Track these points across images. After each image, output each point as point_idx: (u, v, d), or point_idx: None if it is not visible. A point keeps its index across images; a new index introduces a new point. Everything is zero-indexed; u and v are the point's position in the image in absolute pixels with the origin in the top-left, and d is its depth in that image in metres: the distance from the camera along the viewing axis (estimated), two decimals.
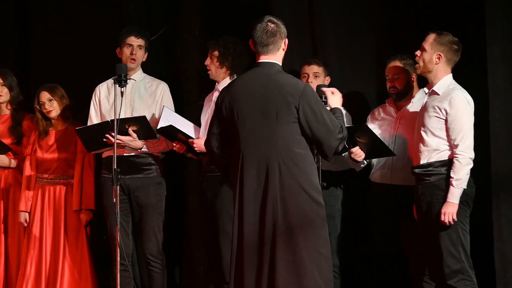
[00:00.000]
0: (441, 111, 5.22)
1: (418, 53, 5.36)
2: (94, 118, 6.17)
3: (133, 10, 6.85)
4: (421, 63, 5.35)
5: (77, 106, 6.37)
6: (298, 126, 4.81)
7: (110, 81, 6.05)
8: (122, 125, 5.79)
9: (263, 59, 4.91)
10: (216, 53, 5.91)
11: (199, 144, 5.77)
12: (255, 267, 4.77)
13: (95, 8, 6.98)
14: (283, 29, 4.92)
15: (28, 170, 6.38)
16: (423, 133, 5.28)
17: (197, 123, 6.04)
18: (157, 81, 6.20)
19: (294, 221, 4.74)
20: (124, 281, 5.94)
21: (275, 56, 4.93)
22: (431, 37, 5.32)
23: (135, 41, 6.08)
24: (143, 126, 5.85)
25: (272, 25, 4.88)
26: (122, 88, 5.60)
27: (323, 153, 4.89)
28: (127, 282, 5.99)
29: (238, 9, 6.57)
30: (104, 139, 5.82)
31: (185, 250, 6.73)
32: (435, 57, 5.30)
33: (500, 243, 5.67)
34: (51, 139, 6.32)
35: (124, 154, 5.99)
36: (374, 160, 5.83)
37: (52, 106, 6.27)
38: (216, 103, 4.99)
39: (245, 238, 4.79)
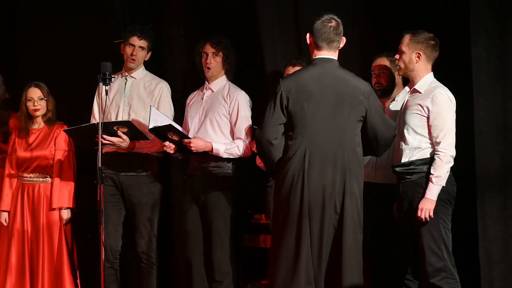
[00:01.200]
0: (423, 108, 5.23)
1: (397, 56, 5.38)
2: (96, 114, 6.18)
3: (117, 8, 6.86)
4: (402, 65, 5.36)
5: (62, 103, 6.35)
6: (360, 125, 4.99)
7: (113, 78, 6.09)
8: (111, 127, 5.81)
9: (326, 54, 5.04)
10: (221, 54, 5.93)
11: (197, 143, 5.76)
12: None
13: (80, 6, 6.97)
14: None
15: (8, 169, 6.35)
16: (405, 131, 5.29)
17: (180, 120, 6.06)
18: (157, 79, 6.20)
19: (350, 215, 4.97)
20: (109, 279, 5.95)
21: (335, 53, 5.06)
22: (407, 37, 5.33)
23: (137, 42, 6.10)
24: (131, 130, 5.85)
25: (337, 22, 5.03)
26: (106, 86, 5.59)
27: (380, 149, 5.14)
28: (111, 280, 5.99)
29: (223, 7, 6.57)
30: (96, 139, 5.82)
31: (174, 248, 6.72)
32: (414, 56, 5.30)
33: (485, 241, 5.67)
34: (31, 137, 6.29)
35: (120, 152, 6.00)
36: None
37: (41, 105, 6.24)
38: (279, 94, 4.96)
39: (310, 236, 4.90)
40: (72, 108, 6.40)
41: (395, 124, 5.19)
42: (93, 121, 6.15)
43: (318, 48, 5.04)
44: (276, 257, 5.00)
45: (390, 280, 5.77)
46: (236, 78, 6.05)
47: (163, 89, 6.14)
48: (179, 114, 6.19)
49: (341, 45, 5.09)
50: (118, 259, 6.11)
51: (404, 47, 5.33)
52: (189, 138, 5.80)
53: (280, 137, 4.99)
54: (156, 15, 6.80)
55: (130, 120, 5.93)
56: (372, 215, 5.73)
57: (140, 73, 6.18)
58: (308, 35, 5.07)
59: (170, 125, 5.70)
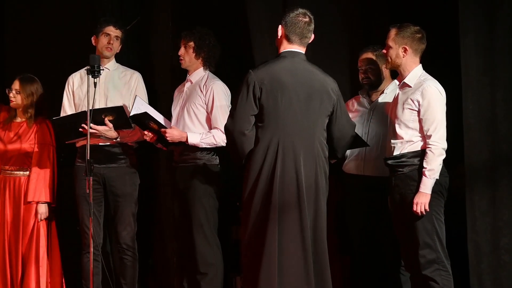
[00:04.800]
0: (413, 102, 5.22)
1: (384, 51, 5.38)
2: (67, 109, 6.18)
3: (106, 1, 6.85)
4: (389, 59, 5.36)
5: (50, 97, 6.34)
6: (327, 121, 4.97)
7: (83, 71, 6.08)
8: (99, 115, 5.81)
9: (297, 49, 5.00)
10: (192, 43, 5.95)
11: (172, 134, 5.79)
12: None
13: None
14: None
15: None
16: (396, 126, 5.28)
17: (169, 114, 6.06)
18: (130, 70, 6.22)
19: (323, 212, 4.95)
20: (93, 271, 5.92)
21: (304, 48, 5.03)
22: (393, 32, 5.32)
23: (113, 32, 6.10)
24: (120, 116, 5.86)
25: (310, 18, 5.01)
26: (95, 79, 5.58)
27: (339, 149, 5.12)
28: (95, 272, 5.96)
29: (211, 0, 6.57)
30: (80, 129, 5.82)
31: (157, 240, 6.74)
32: (401, 51, 5.30)
33: (473, 234, 5.67)
34: (13, 131, 6.29)
35: (100, 144, 6.02)
36: (348, 151, 5.83)
37: (15, 97, 6.23)
38: (251, 84, 4.87)
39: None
40: (60, 101, 6.35)
41: (355, 124, 5.20)
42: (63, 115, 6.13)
43: (290, 41, 4.99)
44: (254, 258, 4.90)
45: (380, 273, 5.78)
46: (224, 69, 6.05)
47: (139, 79, 6.18)
48: (167, 106, 6.21)
49: (310, 41, 5.06)
50: (100, 252, 6.08)
51: (390, 42, 5.33)
52: (166, 128, 5.81)
53: (251, 128, 4.90)
54: (144, 8, 6.79)
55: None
56: (362, 208, 5.76)
57: (113, 65, 6.18)
58: (280, 27, 5.01)
59: (146, 113, 5.73)
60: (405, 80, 5.32)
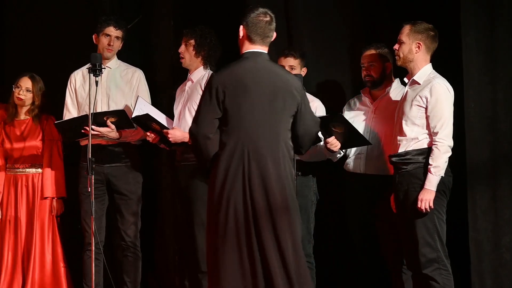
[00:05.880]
0: (422, 99, 5.20)
1: (396, 46, 5.35)
2: (70, 106, 6.18)
3: None
4: (401, 55, 5.33)
5: (50, 96, 6.34)
6: (291, 120, 4.89)
7: (85, 69, 6.04)
8: (101, 117, 5.82)
9: (258, 48, 4.93)
10: (192, 41, 5.94)
11: (174, 134, 5.78)
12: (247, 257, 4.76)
13: None
14: None
15: None
16: (403, 123, 5.26)
17: (169, 112, 6.06)
18: (132, 68, 6.22)
19: (282, 210, 4.79)
20: (94, 269, 5.92)
21: (267, 48, 4.97)
22: (407, 28, 5.31)
23: (114, 32, 6.09)
24: (122, 118, 5.87)
25: (271, 17, 4.94)
26: (96, 78, 5.58)
27: (304, 146, 5.00)
28: (96, 270, 5.95)
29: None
30: (83, 130, 5.83)
31: (158, 239, 6.74)
32: (414, 47, 5.28)
33: (474, 233, 5.69)
34: (19, 129, 6.30)
35: (103, 143, 6.01)
36: (350, 150, 5.83)
37: (26, 96, 6.24)
38: (214, 88, 4.81)
39: (229, 226, 4.74)
40: (60, 99, 6.35)
41: (319, 120, 5.13)
42: (67, 114, 6.16)
43: (252, 42, 4.92)
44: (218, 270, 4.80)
45: (380, 271, 5.79)
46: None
47: (141, 77, 6.18)
48: (167, 104, 6.22)
49: (272, 39, 5.00)
50: (101, 250, 6.07)
51: (404, 37, 5.30)
52: (168, 128, 5.81)
53: (215, 131, 4.86)
54: (145, 7, 6.79)
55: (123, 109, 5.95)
56: (362, 207, 5.75)
57: (114, 63, 6.18)
58: (241, 27, 4.95)
59: (148, 114, 5.72)
60: (415, 78, 5.30)
